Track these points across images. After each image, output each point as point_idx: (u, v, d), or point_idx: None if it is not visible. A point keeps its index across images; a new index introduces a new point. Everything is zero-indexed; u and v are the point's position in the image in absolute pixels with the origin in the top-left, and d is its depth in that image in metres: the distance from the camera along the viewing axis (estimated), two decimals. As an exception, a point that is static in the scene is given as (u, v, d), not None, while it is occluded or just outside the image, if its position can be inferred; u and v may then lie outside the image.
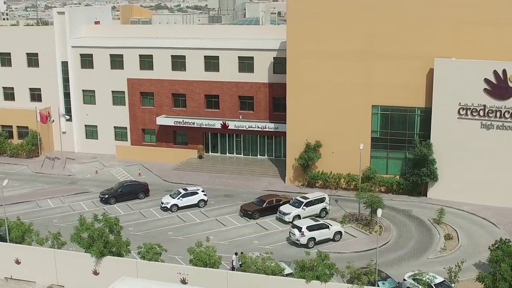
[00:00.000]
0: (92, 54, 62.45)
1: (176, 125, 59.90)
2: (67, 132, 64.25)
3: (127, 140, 63.56)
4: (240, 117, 58.87)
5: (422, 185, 50.45)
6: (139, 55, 61.01)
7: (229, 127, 58.29)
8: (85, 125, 64.80)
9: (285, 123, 55.82)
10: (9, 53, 64.86)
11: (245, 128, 58.24)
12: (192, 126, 59.32)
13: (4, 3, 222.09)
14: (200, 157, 60.25)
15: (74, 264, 36.85)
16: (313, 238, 41.51)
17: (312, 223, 42.13)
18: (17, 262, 37.84)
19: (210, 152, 61.63)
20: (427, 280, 33.22)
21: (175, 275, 34.54)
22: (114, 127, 63.76)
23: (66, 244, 37.71)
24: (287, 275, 34.27)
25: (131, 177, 56.83)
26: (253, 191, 52.45)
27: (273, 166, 57.77)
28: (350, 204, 49.45)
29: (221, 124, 58.35)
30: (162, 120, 60.33)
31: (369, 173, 50.92)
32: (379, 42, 49.76)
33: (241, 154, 60.99)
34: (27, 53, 64.26)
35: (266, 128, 57.46)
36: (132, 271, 35.16)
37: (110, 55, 61.93)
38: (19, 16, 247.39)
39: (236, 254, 37.94)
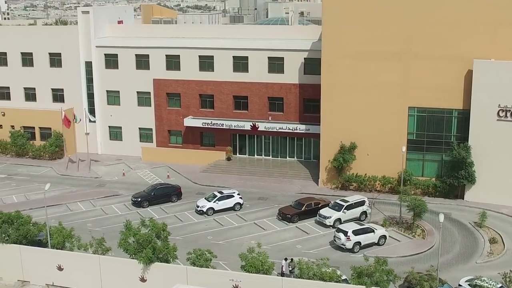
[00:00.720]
0: (117, 54, 61.44)
1: (204, 126, 58.94)
2: (90, 133, 63.01)
3: (152, 142, 62.56)
4: (270, 119, 58.01)
5: (459, 188, 49.82)
6: (166, 55, 60.04)
7: (259, 129, 57.44)
8: (109, 126, 63.79)
9: (316, 124, 55.21)
10: (31, 53, 63.77)
11: (275, 130, 57.34)
12: (221, 127, 58.41)
13: (5, 2, 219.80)
14: (229, 159, 59.32)
15: (120, 270, 35.87)
16: (358, 243, 40.77)
17: (358, 227, 41.36)
18: (60, 268, 36.89)
19: (237, 154, 60.68)
20: (489, 286, 32.53)
21: (227, 281, 33.68)
22: (139, 128, 62.73)
23: (111, 250, 36.82)
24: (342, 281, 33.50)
25: (160, 179, 55.87)
26: (287, 194, 51.63)
27: (304, 168, 56.92)
28: (387, 207, 48.80)
29: (250, 125, 57.44)
30: (190, 122, 59.35)
31: (405, 176, 50.19)
32: (416, 43, 49.03)
33: (269, 156, 60.04)
34: (49, 53, 63.18)
35: (297, 129, 56.57)
36: (182, 278, 34.23)
37: (136, 55, 60.93)
38: (18, 15, 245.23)
39: (285, 259, 37.15)
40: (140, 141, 62.87)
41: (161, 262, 35.15)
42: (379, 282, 31.77)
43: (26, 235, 38.01)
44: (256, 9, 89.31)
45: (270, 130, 57.55)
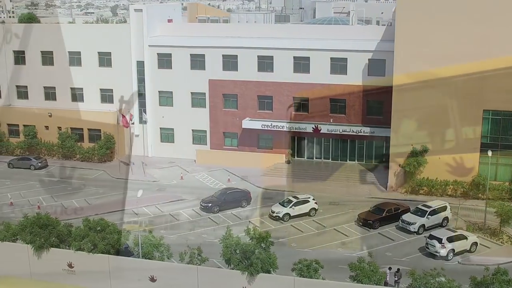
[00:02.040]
0: (170, 54, 59.61)
1: (263, 128, 57.39)
2: (140, 135, 61.36)
3: (206, 144, 60.87)
4: (331, 121, 56.60)
5: (535, 193, 48.96)
6: (223, 55, 58.35)
7: (321, 131, 56.04)
8: (160, 128, 61.95)
9: (381, 127, 54.04)
10: (79, 52, 61.79)
11: (338, 132, 55.92)
12: (281, 129, 56.95)
13: (10, 1, 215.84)
14: (288, 162, 57.86)
15: (219, 282, 34.37)
16: (452, 250, 39.63)
17: (451, 234, 40.20)
18: (152, 279, 35.35)
19: (295, 156, 59.16)
20: None
21: (338, 293, 32.45)
22: (192, 130, 60.99)
23: (208, 260, 35.29)
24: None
25: (220, 183, 54.28)
26: (357, 199, 50.36)
27: (368, 172, 55.54)
28: (463, 212, 47.56)
29: (312, 128, 56.01)
30: (248, 123, 57.76)
31: (479, 180, 49.15)
32: (492, 44, 47.88)
33: (329, 159, 58.58)
34: (99, 52, 61.26)
35: (361, 132, 55.16)
36: (288, 290, 32.91)
37: (191, 54, 59.14)
38: (21, 14, 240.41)
39: (389, 269, 35.88)
40: (193, 143, 61.15)
41: (263, 272, 33.83)
42: (502, 293, 30.65)
43: (115, 244, 36.48)
44: (302, 8, 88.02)
45: (333, 132, 56.12)
